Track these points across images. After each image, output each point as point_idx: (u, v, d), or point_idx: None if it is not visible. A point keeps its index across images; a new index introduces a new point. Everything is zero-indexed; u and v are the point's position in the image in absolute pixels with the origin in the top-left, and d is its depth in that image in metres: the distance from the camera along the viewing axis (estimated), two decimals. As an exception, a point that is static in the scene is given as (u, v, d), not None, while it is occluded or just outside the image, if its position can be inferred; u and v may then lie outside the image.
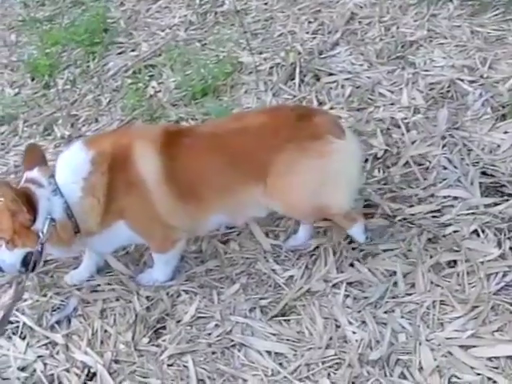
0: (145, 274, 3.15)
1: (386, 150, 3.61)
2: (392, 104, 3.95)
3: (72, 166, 2.83)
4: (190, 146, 2.85)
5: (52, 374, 2.74)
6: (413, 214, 3.22)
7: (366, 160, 3.57)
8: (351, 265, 3.04)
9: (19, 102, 4.82)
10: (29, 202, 2.71)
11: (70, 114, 4.52)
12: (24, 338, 2.90)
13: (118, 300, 3.02)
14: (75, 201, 2.78)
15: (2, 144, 4.40)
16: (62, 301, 3.06)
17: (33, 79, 5.12)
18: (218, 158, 2.83)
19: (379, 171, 3.49)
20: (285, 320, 2.85)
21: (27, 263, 2.77)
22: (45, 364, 2.79)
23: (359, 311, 2.83)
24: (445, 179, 3.38)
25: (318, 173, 2.83)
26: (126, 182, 2.80)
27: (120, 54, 5.09)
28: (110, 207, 2.81)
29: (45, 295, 3.09)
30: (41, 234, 2.71)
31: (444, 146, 3.58)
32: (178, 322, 2.88)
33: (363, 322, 2.79)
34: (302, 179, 2.83)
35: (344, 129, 2.94)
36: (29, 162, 2.91)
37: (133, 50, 5.08)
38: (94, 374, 2.72)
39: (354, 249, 3.10)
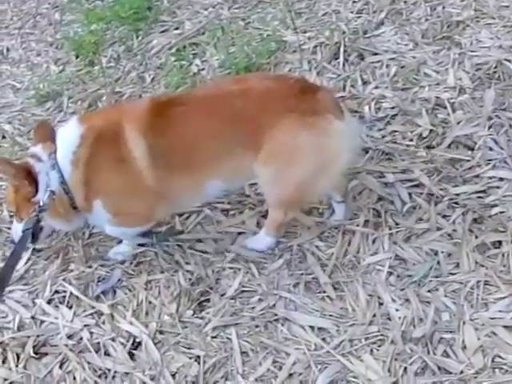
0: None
1: (431, 130, 3.57)
2: (437, 84, 3.90)
3: (65, 140, 2.91)
4: (181, 116, 2.81)
5: (98, 343, 2.79)
6: (458, 194, 3.19)
7: (411, 140, 3.55)
8: (394, 243, 3.03)
9: (64, 78, 4.88)
10: (29, 175, 2.86)
11: (114, 90, 4.56)
12: (71, 307, 2.96)
13: (162, 272, 3.06)
14: (68, 175, 2.87)
15: (48, 120, 4.45)
16: (107, 272, 3.11)
17: (77, 57, 5.17)
18: (215, 122, 2.80)
19: (424, 151, 3.46)
20: (328, 296, 2.86)
21: (34, 233, 2.90)
22: (91, 333, 2.84)
23: (402, 289, 2.83)
24: (490, 160, 3.34)
25: (315, 150, 2.78)
26: (111, 157, 2.83)
27: (163, 32, 5.11)
28: (91, 183, 2.87)
29: (90, 266, 3.15)
30: (40, 204, 2.84)
31: (490, 127, 3.52)
32: (222, 295, 2.91)
33: (406, 300, 2.78)
34: (300, 153, 2.79)
35: (343, 110, 2.91)
36: (37, 138, 3.02)
37: (176, 29, 5.09)
38: (139, 344, 2.77)
39: (398, 227, 3.09)
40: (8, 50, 5.63)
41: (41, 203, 2.83)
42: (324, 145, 2.78)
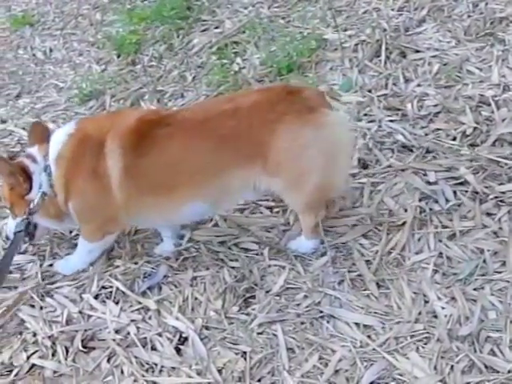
0: (62, 260, 3.24)
1: (475, 128, 3.55)
2: (481, 81, 3.88)
3: (55, 140, 2.98)
4: (164, 138, 2.82)
5: (145, 338, 2.82)
6: (503, 193, 3.17)
7: (454, 138, 3.53)
8: (440, 241, 3.02)
9: (106, 77, 4.96)
10: (24, 173, 2.96)
11: (156, 89, 4.61)
12: (118, 303, 3.00)
13: (207, 269, 3.08)
14: (53, 175, 2.94)
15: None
16: (153, 268, 3.15)
17: (119, 56, 5.26)
18: (198, 145, 2.81)
19: (468, 149, 3.44)
20: (373, 293, 2.86)
21: (29, 232, 3.07)
22: (138, 328, 2.87)
23: (448, 287, 2.82)
24: (536, 158, 3.31)
25: (322, 144, 2.80)
26: (89, 168, 2.87)
27: (204, 31, 5.16)
28: (68, 184, 2.93)
29: (136, 263, 3.19)
30: (32, 205, 2.96)
31: (535, 124, 3.50)
32: (267, 292, 2.93)
33: (452, 298, 2.77)
34: (308, 152, 2.80)
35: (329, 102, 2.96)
36: (32, 138, 3.10)
37: (216, 27, 5.14)
38: (186, 339, 2.79)
39: (443, 225, 3.07)
40: (51, 50, 5.74)
41: (31, 205, 2.96)
42: (327, 137, 2.81)
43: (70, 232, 3.37)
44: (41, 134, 3.05)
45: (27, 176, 2.97)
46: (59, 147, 2.93)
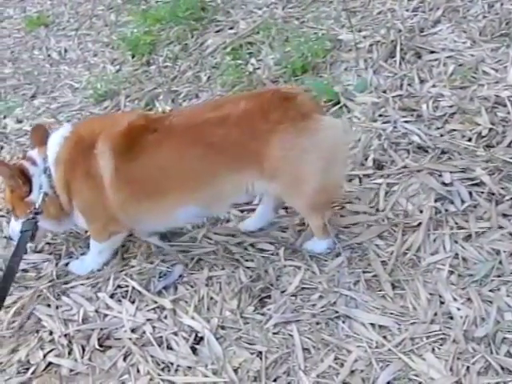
0: (77, 261, 3.28)
1: (490, 129, 3.54)
2: (496, 82, 3.86)
3: (53, 143, 3.05)
4: (153, 143, 2.86)
5: (161, 337, 2.83)
6: (520, 194, 3.16)
7: (470, 139, 3.52)
8: (455, 242, 3.01)
9: (121, 78, 4.99)
10: (24, 176, 3.03)
11: (171, 89, 4.63)
12: (133, 302, 3.01)
13: (223, 269, 3.09)
14: (53, 176, 3.01)
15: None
16: (168, 268, 3.16)
17: (133, 56, 5.30)
18: (185, 151, 2.85)
19: (484, 150, 3.43)
20: (388, 294, 2.85)
21: (32, 234, 3.07)
22: (153, 327, 2.88)
23: (464, 288, 2.81)
24: (553, 158, 3.30)
25: (318, 150, 2.81)
26: (83, 169, 2.94)
27: (218, 31, 5.18)
28: (69, 185, 3.00)
29: (151, 262, 3.20)
30: (36, 205, 3.02)
31: (552, 125, 3.48)
32: (283, 292, 2.93)
33: (468, 299, 2.76)
34: (305, 158, 2.81)
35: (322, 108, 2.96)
36: (34, 141, 3.16)
37: (231, 28, 5.15)
38: (202, 339, 2.80)
39: (458, 226, 3.07)
40: (66, 50, 5.78)
41: (36, 205, 3.01)
42: (322, 142, 2.82)
43: (86, 231, 3.38)
44: (41, 137, 3.11)
45: (27, 178, 3.03)
46: (57, 149, 3.00)
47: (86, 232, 3.40)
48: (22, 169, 3.04)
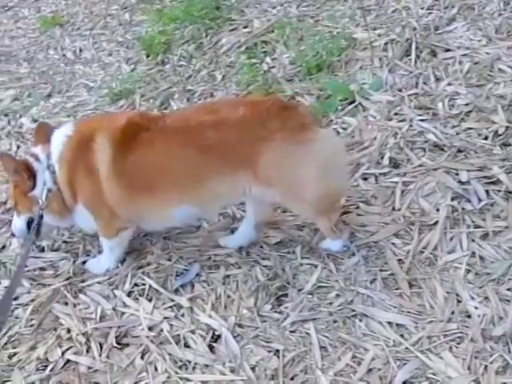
0: (94, 260, 3.31)
1: (507, 127, 3.53)
2: (513, 80, 3.85)
3: (56, 141, 3.08)
4: (150, 140, 2.90)
5: (178, 335, 2.84)
6: (537, 192, 3.15)
7: (486, 137, 3.51)
8: (472, 240, 3.00)
9: (135, 77, 5.00)
10: (28, 171, 3.07)
11: (186, 88, 4.64)
12: (150, 300, 3.02)
13: (239, 268, 3.10)
14: (57, 174, 3.05)
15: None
16: (185, 266, 3.17)
17: (148, 56, 5.31)
18: (177, 151, 2.88)
19: (501, 148, 3.42)
20: (405, 293, 2.85)
21: (38, 229, 3.11)
22: (171, 325, 2.89)
23: (481, 287, 2.81)
24: None
25: (314, 159, 2.82)
26: (84, 164, 2.98)
27: (232, 30, 5.18)
28: (72, 183, 3.04)
29: (169, 260, 3.21)
30: (40, 201, 3.06)
31: None
32: (299, 290, 2.94)
33: (486, 298, 2.76)
34: (302, 167, 2.82)
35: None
36: (37, 139, 3.20)
37: (245, 27, 5.15)
38: (219, 337, 2.81)
39: (475, 225, 3.06)
40: (80, 50, 5.81)
41: (40, 201, 3.05)
42: (319, 152, 2.84)
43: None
44: (45, 135, 3.15)
45: (31, 174, 3.07)
46: (61, 148, 3.04)
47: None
48: (27, 164, 3.09)
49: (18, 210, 3.19)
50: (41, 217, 3.08)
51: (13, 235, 3.44)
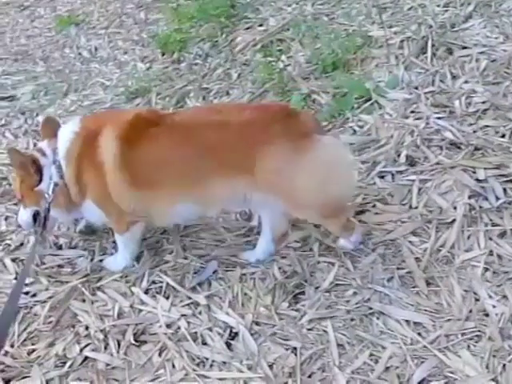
0: (111, 257, 3.33)
1: (525, 125, 3.52)
2: (530, 78, 3.83)
3: (63, 137, 3.10)
4: (155, 136, 2.92)
5: (195, 332, 2.85)
6: (555, 191, 3.13)
7: (503, 135, 3.50)
8: (490, 239, 2.99)
9: (151, 75, 5.02)
10: (35, 165, 3.09)
11: (202, 87, 4.65)
12: (168, 298, 3.03)
13: (256, 266, 3.11)
14: (64, 170, 3.07)
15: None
16: (202, 264, 3.18)
17: (163, 54, 5.34)
18: (185, 149, 2.88)
19: (518, 146, 3.41)
20: (422, 291, 2.85)
21: (44, 223, 3.14)
22: (188, 322, 2.90)
23: (499, 285, 2.80)
24: None
25: (315, 166, 2.82)
26: (91, 158, 2.99)
27: (247, 29, 5.19)
28: (81, 179, 3.06)
29: (185, 258, 3.23)
30: (46, 195, 3.08)
31: None
32: (317, 288, 2.94)
33: (504, 297, 2.75)
34: (301, 174, 2.81)
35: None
36: (44, 133, 3.23)
37: (260, 25, 5.16)
38: (236, 334, 2.82)
39: (493, 223, 3.05)
40: (96, 49, 5.84)
41: (46, 196, 3.08)
42: (317, 159, 2.83)
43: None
44: (51, 129, 3.17)
45: (37, 168, 3.09)
46: (68, 145, 3.06)
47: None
48: (33, 158, 3.11)
49: (25, 202, 3.22)
50: (48, 210, 3.10)
51: (19, 227, 3.49)
